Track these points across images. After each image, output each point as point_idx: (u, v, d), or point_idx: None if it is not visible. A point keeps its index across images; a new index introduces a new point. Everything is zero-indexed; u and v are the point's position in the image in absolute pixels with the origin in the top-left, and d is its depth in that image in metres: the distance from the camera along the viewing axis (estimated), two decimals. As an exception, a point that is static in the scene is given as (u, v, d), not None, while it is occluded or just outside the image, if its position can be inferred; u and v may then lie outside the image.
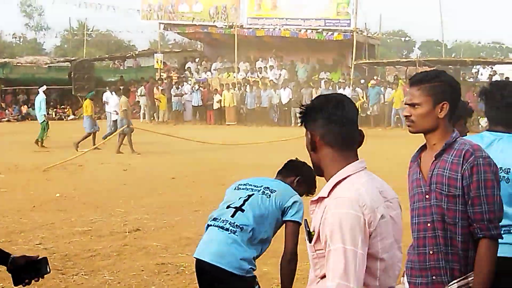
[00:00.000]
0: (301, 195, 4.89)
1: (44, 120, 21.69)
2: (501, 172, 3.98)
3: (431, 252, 3.55)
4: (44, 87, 23.14)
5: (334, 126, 2.88)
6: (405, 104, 3.67)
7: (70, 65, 35.74)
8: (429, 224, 3.56)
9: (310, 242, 2.87)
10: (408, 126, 3.67)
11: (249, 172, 12.23)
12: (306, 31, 34.25)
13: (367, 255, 2.74)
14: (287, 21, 34.83)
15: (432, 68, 31.58)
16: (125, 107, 20.25)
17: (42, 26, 67.53)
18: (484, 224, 3.43)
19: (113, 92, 23.62)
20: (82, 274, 7.53)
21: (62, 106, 35.22)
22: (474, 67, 37.49)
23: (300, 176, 5.01)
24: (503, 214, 3.99)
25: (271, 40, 35.25)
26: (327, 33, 33.88)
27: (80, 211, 10.95)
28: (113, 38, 58.26)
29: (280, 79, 33.09)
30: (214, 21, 35.79)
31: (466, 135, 4.97)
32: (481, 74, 36.03)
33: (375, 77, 34.14)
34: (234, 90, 32.32)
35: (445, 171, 3.50)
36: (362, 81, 31.83)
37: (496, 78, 32.75)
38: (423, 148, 3.74)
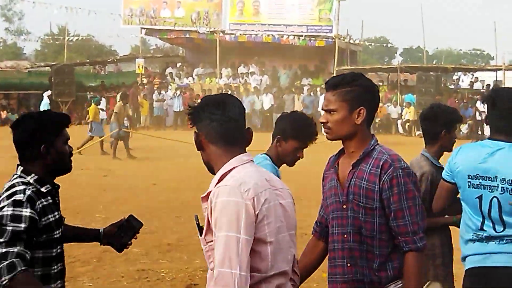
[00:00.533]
0: (295, 155, 4.40)
1: None
2: (505, 184, 3.91)
3: (348, 264, 3.45)
4: (49, 92, 23.11)
5: (216, 124, 3.00)
6: (322, 109, 3.52)
7: (50, 69, 35.46)
8: (345, 236, 3.45)
9: (201, 235, 2.95)
10: (326, 133, 3.49)
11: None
12: (288, 37, 34.30)
13: (256, 240, 2.82)
14: (269, 27, 34.86)
15: (413, 74, 31.77)
16: (117, 110, 20.18)
17: (22, 31, 67.17)
18: (410, 237, 3.34)
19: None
20: (61, 281, 7.42)
21: (42, 111, 34.93)
22: (455, 73, 37.78)
23: (279, 135, 4.45)
24: (507, 224, 3.95)
25: (253, 45, 35.24)
26: (309, 39, 33.96)
27: (59, 216, 10.79)
28: (94, 43, 58.07)
29: (261, 85, 33.08)
30: (196, 26, 35.75)
31: (455, 141, 4.96)
32: (462, 81, 36.32)
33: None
34: (216, 95, 32.23)
35: (363, 182, 3.38)
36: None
37: (477, 85, 33.03)
38: (342, 152, 3.57)
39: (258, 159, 4.39)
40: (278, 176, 4.38)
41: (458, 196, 4.28)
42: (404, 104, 30.16)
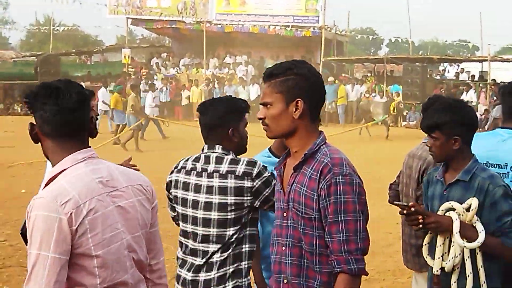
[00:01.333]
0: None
1: None
2: None
3: (285, 281, 3.07)
4: None
5: (49, 115, 2.69)
6: (260, 104, 3.13)
7: (36, 59, 35.29)
8: (284, 248, 3.07)
9: (26, 245, 2.74)
10: (264, 130, 3.09)
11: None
12: (275, 27, 34.31)
13: (78, 255, 2.63)
14: (256, 17, 34.83)
15: (399, 64, 31.84)
16: (133, 102, 20.47)
17: (7, 20, 66.74)
18: (342, 256, 2.87)
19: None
20: (48, 272, 7.41)
21: (28, 101, 34.73)
22: (441, 64, 37.90)
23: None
24: None
25: (239, 36, 35.21)
26: (296, 29, 33.96)
27: (45, 207, 10.77)
28: (79, 32, 57.75)
29: (248, 75, 33.05)
30: (183, 16, 35.63)
31: None
32: (448, 72, 36.50)
33: (343, 74, 34.34)
34: (203, 86, 32.19)
35: (303, 188, 2.96)
36: (332, 78, 31.87)
37: (463, 75, 33.17)
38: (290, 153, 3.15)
39: (257, 157, 4.31)
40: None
41: None
42: (393, 94, 30.22)
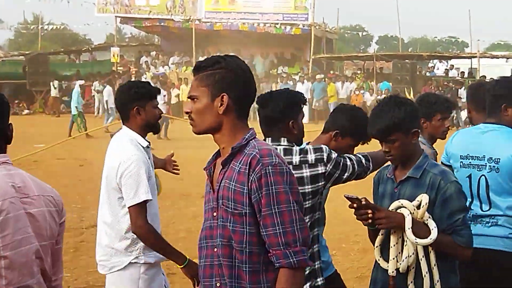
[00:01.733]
0: (347, 152, 4.16)
1: (76, 113, 22.31)
2: (491, 162, 4.06)
3: (218, 284, 2.90)
4: (82, 82, 23.90)
5: None
6: (187, 97, 3.01)
7: (24, 59, 35.15)
8: (215, 249, 2.90)
9: None
10: (190, 125, 2.95)
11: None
12: (264, 25, 34.32)
13: None
14: (245, 15, 34.84)
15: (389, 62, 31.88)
16: None
17: (-5, 19, 66.32)
18: (280, 250, 2.75)
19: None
20: (37, 272, 7.37)
21: (17, 101, 34.57)
22: (431, 61, 37.99)
23: (337, 130, 4.18)
24: (492, 203, 4.05)
25: (229, 34, 35.16)
26: (285, 27, 33.96)
27: (35, 207, 10.72)
28: (68, 31, 57.47)
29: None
30: (172, 14, 35.55)
31: (447, 129, 4.92)
32: (437, 69, 36.57)
33: (332, 71, 34.36)
34: (192, 84, 32.14)
35: (232, 183, 2.83)
36: (321, 75, 31.87)
37: (452, 72, 33.25)
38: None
39: None
40: None
41: None
42: (383, 91, 30.22)
